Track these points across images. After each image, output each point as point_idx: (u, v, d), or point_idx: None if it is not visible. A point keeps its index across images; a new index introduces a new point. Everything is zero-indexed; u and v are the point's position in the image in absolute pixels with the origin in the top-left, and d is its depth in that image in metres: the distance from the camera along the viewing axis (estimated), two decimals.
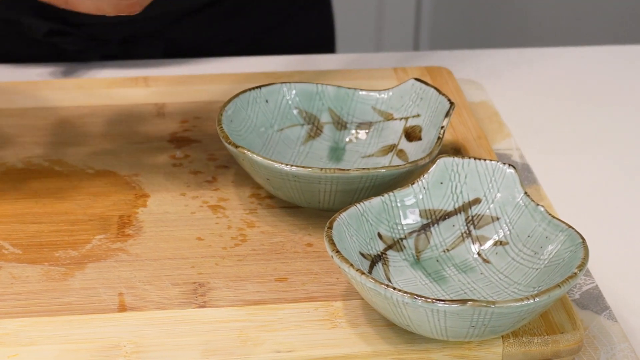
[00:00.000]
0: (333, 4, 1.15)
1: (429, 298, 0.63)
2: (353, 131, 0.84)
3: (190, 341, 0.67)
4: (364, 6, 2.08)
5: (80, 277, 0.72)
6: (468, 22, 2.16)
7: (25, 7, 0.97)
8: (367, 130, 0.84)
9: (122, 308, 0.70)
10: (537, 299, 0.63)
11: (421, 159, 0.76)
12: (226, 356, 0.66)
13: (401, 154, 0.82)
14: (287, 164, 0.74)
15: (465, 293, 0.71)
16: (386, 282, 0.68)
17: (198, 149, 0.86)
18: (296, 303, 0.70)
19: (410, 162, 0.75)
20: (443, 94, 0.81)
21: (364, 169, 0.74)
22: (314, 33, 1.14)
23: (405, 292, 0.63)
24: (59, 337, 0.67)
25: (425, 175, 0.74)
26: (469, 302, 0.62)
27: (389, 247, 0.72)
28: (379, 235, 0.72)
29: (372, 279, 0.64)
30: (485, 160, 0.74)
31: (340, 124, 0.84)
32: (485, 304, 0.63)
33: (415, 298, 0.63)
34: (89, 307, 0.70)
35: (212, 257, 0.74)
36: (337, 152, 0.83)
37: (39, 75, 0.98)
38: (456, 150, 0.86)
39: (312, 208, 0.78)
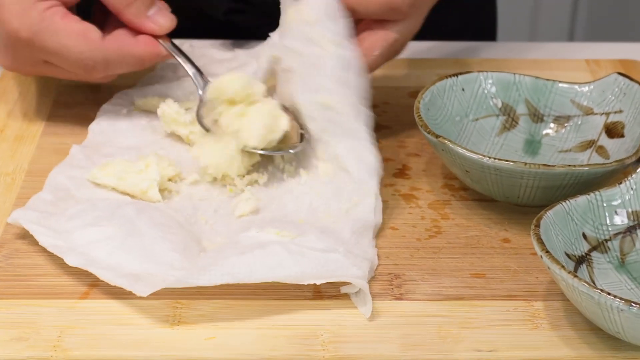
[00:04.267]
0: None
1: None
2: (550, 124, 0.81)
3: (388, 334, 0.66)
4: None
5: None
6: (625, 14, 2.10)
7: None
8: (565, 124, 0.81)
9: (318, 295, 0.68)
10: None
11: (627, 157, 0.73)
12: (425, 351, 0.64)
13: (601, 150, 0.79)
14: (490, 157, 0.71)
15: None
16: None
17: (388, 135, 0.84)
18: (496, 301, 0.68)
19: (617, 161, 0.72)
20: None
21: (569, 165, 0.71)
22: (476, 20, 1.11)
23: (621, 299, 0.61)
24: (256, 322, 0.66)
25: (634, 176, 0.71)
26: None
27: (594, 248, 0.70)
28: (584, 236, 0.69)
29: (585, 282, 0.62)
30: None
31: (537, 116, 0.81)
32: None
33: (632, 305, 0.60)
34: (285, 292, 0.68)
35: (407, 249, 0.73)
36: (532, 145, 0.81)
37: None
38: None
39: (507, 202, 0.76)
